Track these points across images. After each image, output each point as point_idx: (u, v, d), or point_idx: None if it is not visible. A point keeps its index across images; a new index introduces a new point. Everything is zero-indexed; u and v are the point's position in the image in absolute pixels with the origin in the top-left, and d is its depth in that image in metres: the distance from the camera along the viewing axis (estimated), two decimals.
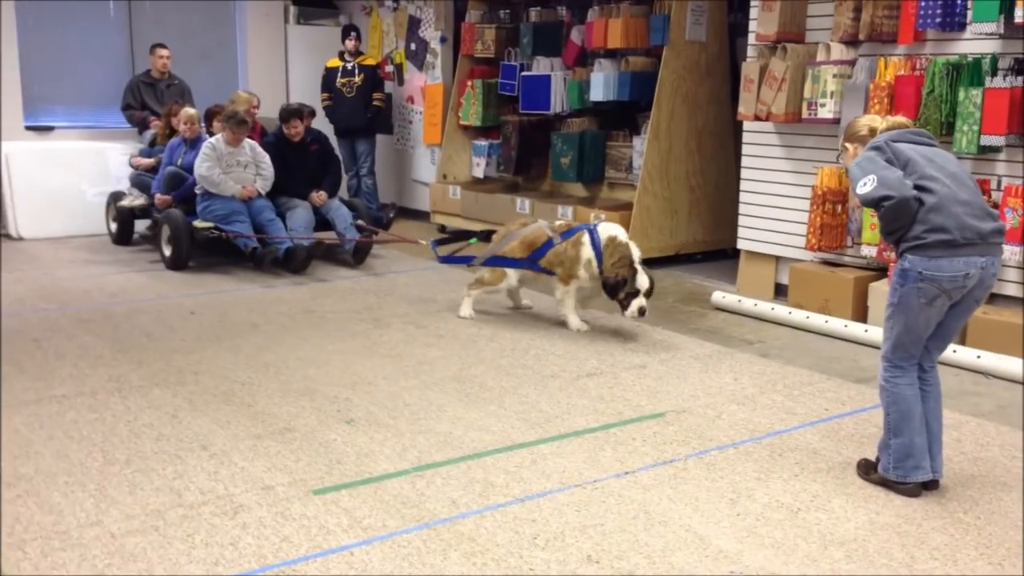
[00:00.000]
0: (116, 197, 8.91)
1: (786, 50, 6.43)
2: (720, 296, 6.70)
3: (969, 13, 5.55)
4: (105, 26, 10.11)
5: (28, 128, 9.64)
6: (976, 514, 3.50)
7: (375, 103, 10.04)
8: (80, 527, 3.32)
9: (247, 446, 4.08)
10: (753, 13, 6.79)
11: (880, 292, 5.92)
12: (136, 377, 5.02)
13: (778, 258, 6.92)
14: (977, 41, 5.58)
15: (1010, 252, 5.29)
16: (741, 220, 7.17)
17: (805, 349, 5.74)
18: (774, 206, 6.87)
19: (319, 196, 8.06)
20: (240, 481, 3.72)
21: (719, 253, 8.29)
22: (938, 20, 5.62)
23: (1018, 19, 5.20)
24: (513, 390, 4.86)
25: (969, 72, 5.51)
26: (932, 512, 3.51)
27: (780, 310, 6.31)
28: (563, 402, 4.68)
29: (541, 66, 8.94)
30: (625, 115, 8.55)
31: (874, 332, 5.71)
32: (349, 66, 9.92)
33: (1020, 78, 5.28)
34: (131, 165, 8.97)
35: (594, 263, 5.75)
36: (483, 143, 9.58)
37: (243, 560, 3.11)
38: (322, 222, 8.07)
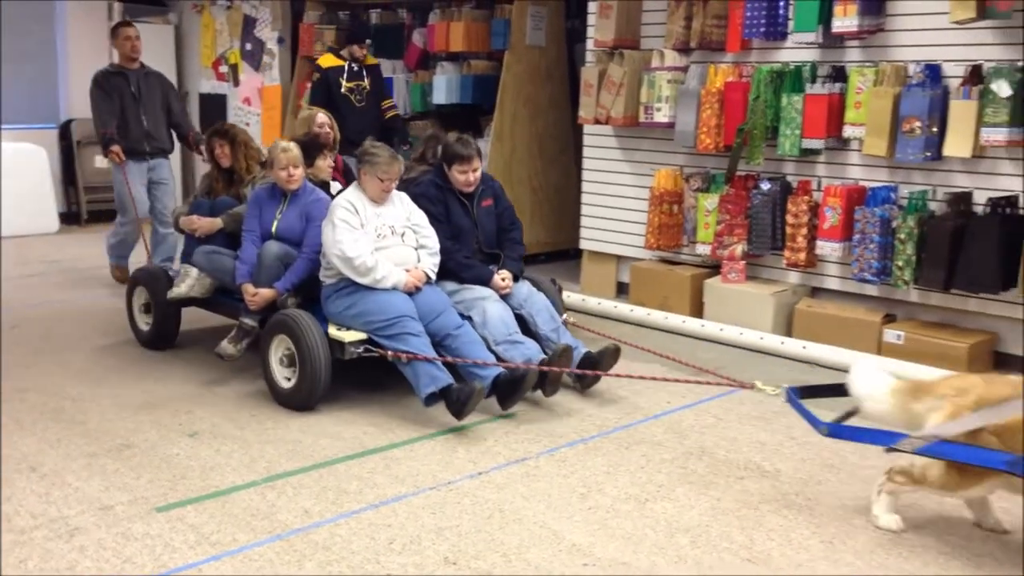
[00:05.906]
0: (148, 276, 5.60)
1: (623, 56, 6.64)
2: (564, 296, 6.83)
3: (791, 23, 5.89)
4: None
5: None
6: (807, 495, 3.71)
7: (392, 113, 7.83)
8: None
9: (81, 465, 3.87)
10: (591, 20, 6.97)
11: (714, 288, 6.20)
12: None
13: (619, 257, 7.12)
14: (798, 50, 5.92)
15: (830, 248, 5.63)
16: (583, 221, 7.34)
17: (647, 345, 5.91)
18: (614, 207, 7.06)
19: (503, 279, 5.11)
20: (75, 502, 3.53)
21: (561, 254, 8.46)
22: (762, 30, 5.93)
23: (835, 29, 5.55)
24: (362, 395, 4.81)
25: (791, 79, 5.84)
26: (767, 496, 3.70)
27: (622, 308, 6.51)
28: (413, 405, 4.66)
29: (383, 68, 8.87)
30: (468, 118, 8.60)
31: (710, 327, 5.99)
32: (355, 67, 7.52)
33: (837, 85, 5.63)
34: (180, 229, 5.61)
35: None
36: None
37: None
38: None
